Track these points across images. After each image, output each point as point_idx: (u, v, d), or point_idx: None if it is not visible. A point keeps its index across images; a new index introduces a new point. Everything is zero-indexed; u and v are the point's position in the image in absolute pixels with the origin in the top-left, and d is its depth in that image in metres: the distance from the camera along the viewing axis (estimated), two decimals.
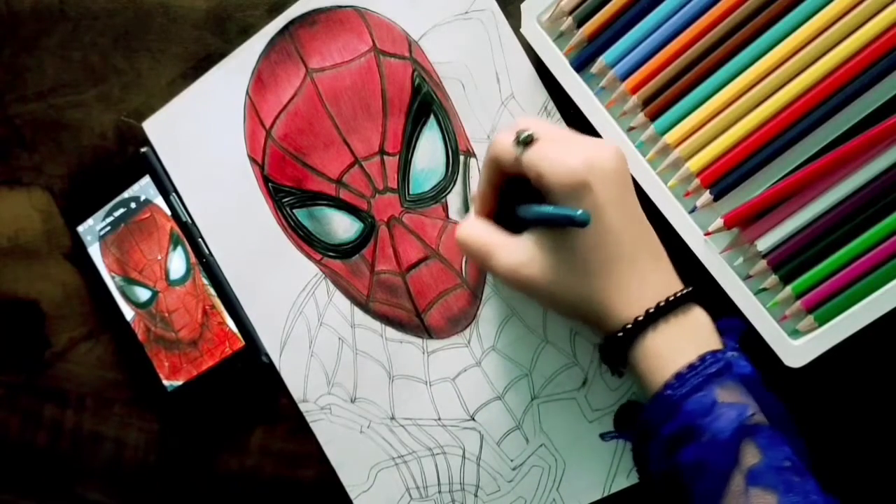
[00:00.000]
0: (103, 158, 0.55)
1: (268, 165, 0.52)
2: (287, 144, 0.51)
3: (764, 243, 0.43)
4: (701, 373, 0.37)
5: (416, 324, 0.51)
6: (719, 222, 0.44)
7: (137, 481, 0.58)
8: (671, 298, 0.39)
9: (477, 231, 0.43)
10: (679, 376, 0.37)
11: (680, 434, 0.37)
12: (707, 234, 0.44)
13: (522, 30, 0.46)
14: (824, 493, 0.36)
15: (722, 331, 0.40)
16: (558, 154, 0.39)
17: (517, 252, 0.41)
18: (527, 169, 0.40)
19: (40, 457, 0.59)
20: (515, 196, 0.43)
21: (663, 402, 0.37)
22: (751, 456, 0.36)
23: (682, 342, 0.38)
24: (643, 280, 0.39)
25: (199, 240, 0.53)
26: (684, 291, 0.39)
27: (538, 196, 0.41)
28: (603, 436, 0.46)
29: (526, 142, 0.40)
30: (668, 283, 0.40)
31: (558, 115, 0.48)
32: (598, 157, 0.38)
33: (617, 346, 0.39)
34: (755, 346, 0.44)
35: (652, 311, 0.38)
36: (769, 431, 0.37)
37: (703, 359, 0.37)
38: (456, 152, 0.50)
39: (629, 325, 0.38)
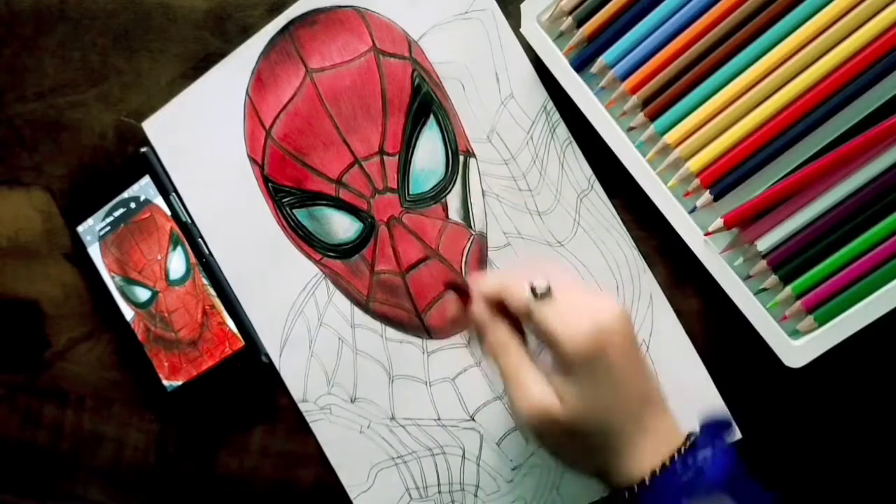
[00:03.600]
0: (103, 158, 0.55)
1: (268, 165, 0.52)
2: (287, 144, 0.51)
3: (764, 243, 0.43)
4: (672, 482, 0.38)
5: (416, 324, 0.51)
6: (719, 222, 0.44)
7: (137, 481, 0.58)
8: (674, 457, 0.38)
9: (511, 349, 0.42)
10: (651, 484, 0.38)
11: None
12: (707, 234, 0.44)
13: (522, 30, 0.46)
14: None
15: (706, 429, 0.40)
16: (569, 314, 0.39)
17: (548, 393, 0.40)
18: (537, 323, 0.40)
19: (40, 457, 0.59)
20: None
21: None
22: None
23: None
24: (650, 438, 0.39)
25: (199, 240, 0.53)
26: (684, 447, 0.39)
27: None
28: None
29: (542, 295, 0.40)
30: (671, 437, 0.40)
31: (558, 115, 0.48)
32: (609, 321, 0.39)
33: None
34: (755, 346, 0.44)
35: (658, 472, 0.38)
36: None
37: (673, 462, 0.38)
38: (456, 152, 0.50)
39: (636, 488, 0.38)
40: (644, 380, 0.41)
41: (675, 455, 0.39)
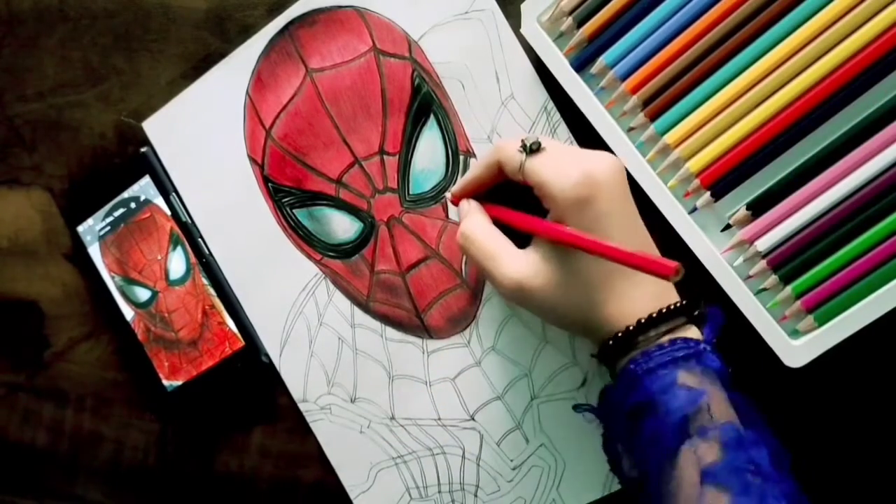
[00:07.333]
0: (103, 158, 0.55)
1: (268, 165, 0.52)
2: (287, 144, 0.51)
3: (764, 243, 0.43)
4: (668, 353, 0.38)
5: (416, 324, 0.51)
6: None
7: (137, 481, 0.58)
8: (663, 311, 0.39)
9: (483, 233, 0.43)
10: (646, 353, 0.38)
11: (639, 408, 0.38)
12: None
13: (522, 30, 0.46)
14: (789, 498, 0.36)
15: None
16: (561, 165, 0.40)
17: (524, 265, 0.41)
18: (529, 176, 0.41)
19: (40, 457, 0.59)
20: (514, 203, 0.44)
21: (627, 377, 0.39)
22: (710, 454, 0.36)
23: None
24: (639, 291, 0.40)
25: (199, 240, 0.53)
26: (676, 305, 0.40)
27: (538, 205, 0.41)
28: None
29: (532, 150, 0.41)
30: (663, 295, 0.40)
31: (558, 115, 0.48)
32: (599, 170, 0.39)
33: (609, 354, 0.40)
34: (755, 346, 0.44)
35: (643, 321, 0.39)
36: (735, 432, 0.37)
37: (673, 342, 0.38)
38: (456, 152, 0.50)
39: (620, 334, 0.39)
40: (636, 233, 0.40)
41: (671, 306, 0.39)
